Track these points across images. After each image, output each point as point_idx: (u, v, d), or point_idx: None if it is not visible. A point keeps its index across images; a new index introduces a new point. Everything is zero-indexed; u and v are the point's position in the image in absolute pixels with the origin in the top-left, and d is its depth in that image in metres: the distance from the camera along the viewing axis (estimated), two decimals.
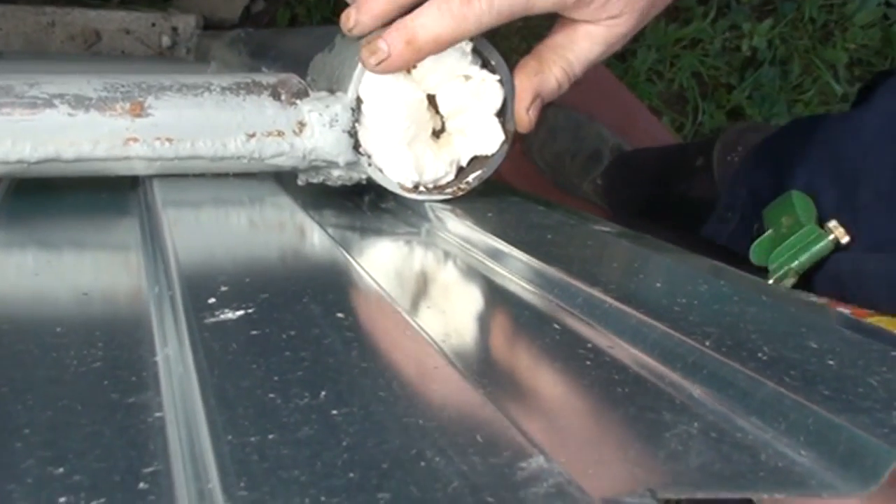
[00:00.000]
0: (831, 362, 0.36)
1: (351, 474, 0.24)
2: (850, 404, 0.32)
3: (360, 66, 0.58)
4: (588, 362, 0.38)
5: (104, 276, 0.47)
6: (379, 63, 0.57)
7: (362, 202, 0.67)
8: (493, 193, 0.65)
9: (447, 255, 0.55)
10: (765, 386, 0.33)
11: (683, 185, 1.27)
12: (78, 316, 0.40)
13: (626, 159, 1.53)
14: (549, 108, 1.68)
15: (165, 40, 1.49)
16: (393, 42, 0.57)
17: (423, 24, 0.57)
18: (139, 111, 0.56)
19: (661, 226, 1.42)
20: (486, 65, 0.61)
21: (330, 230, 0.53)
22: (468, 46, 0.60)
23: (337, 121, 0.58)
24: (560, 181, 1.64)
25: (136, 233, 0.53)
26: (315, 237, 0.51)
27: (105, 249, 0.52)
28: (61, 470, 0.27)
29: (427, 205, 0.62)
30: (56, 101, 0.55)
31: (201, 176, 0.60)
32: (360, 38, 0.60)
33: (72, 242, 0.52)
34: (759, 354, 0.36)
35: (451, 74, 0.60)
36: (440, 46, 0.58)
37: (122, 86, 0.56)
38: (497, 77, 0.61)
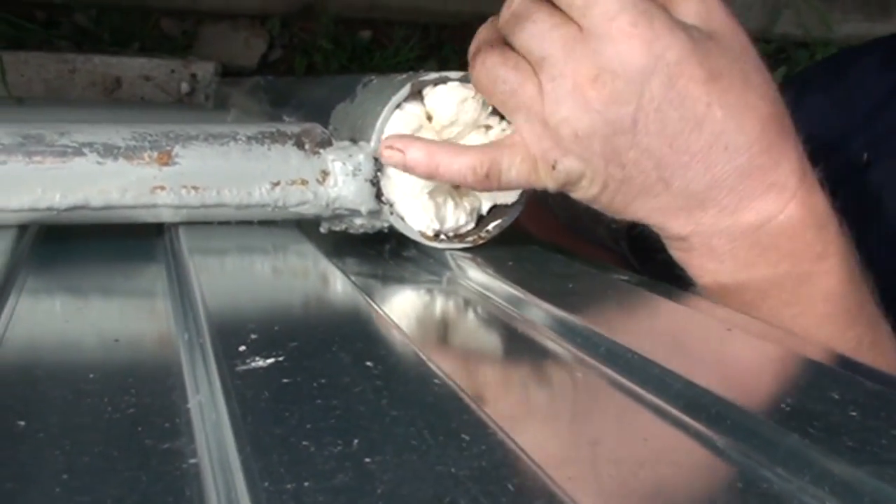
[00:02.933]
0: (854, 413, 0.36)
1: None
2: (875, 456, 0.32)
3: (382, 116, 0.60)
4: (613, 412, 0.38)
5: (133, 322, 0.48)
6: (393, 162, 0.59)
7: (384, 250, 0.67)
8: (512, 242, 0.65)
9: (468, 303, 0.56)
10: (789, 437, 0.34)
11: None
12: (109, 362, 0.41)
13: None
14: None
15: (184, 87, 1.51)
16: (416, 162, 0.57)
17: (449, 166, 0.57)
18: (167, 160, 0.57)
19: None
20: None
21: (353, 278, 0.54)
22: None
23: (360, 170, 0.59)
24: (574, 225, 1.65)
25: (163, 279, 0.54)
26: (338, 285, 0.52)
27: (133, 296, 0.52)
28: None
29: (448, 253, 0.63)
30: (85, 150, 0.56)
31: (226, 223, 0.61)
32: (383, 91, 0.61)
33: (100, 289, 0.53)
34: (782, 405, 0.36)
35: (472, 125, 0.61)
36: (453, 182, 0.59)
37: (150, 135, 0.58)
38: None
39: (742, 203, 0.54)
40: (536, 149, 0.56)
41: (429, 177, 0.58)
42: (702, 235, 0.56)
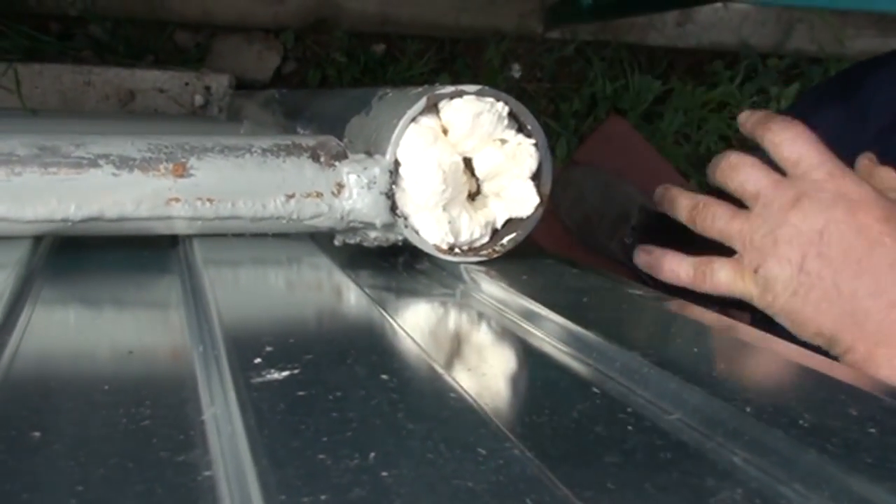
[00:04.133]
0: (872, 430, 0.36)
1: None
2: (894, 472, 0.32)
3: (397, 129, 0.60)
4: (629, 427, 0.38)
5: (147, 334, 0.47)
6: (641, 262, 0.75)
7: (398, 263, 0.67)
8: (526, 255, 0.65)
9: (482, 316, 0.56)
10: (807, 453, 0.33)
11: None
12: (124, 374, 0.41)
13: (658, 214, 1.54)
14: (578, 169, 1.70)
15: (198, 99, 1.51)
16: (649, 266, 0.73)
17: (676, 267, 0.71)
18: (182, 172, 0.57)
19: None
20: (521, 129, 0.62)
21: (367, 290, 0.54)
22: (504, 110, 0.61)
23: (375, 183, 0.59)
24: (587, 240, 1.65)
25: (178, 291, 0.54)
26: (353, 297, 0.52)
27: (147, 307, 0.52)
28: None
29: (462, 266, 0.63)
30: (101, 162, 0.56)
31: (240, 235, 0.61)
32: (399, 104, 0.61)
33: (114, 300, 0.53)
34: (801, 421, 0.36)
35: (488, 138, 0.61)
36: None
37: (165, 147, 0.58)
38: (533, 141, 0.62)
39: None
40: (745, 259, 0.67)
41: (655, 273, 0.73)
42: (866, 343, 0.62)
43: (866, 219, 0.63)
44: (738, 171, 0.68)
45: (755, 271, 0.66)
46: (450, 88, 0.60)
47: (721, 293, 0.69)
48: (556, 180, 0.64)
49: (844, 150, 0.67)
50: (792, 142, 0.66)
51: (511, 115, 0.62)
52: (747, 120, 0.71)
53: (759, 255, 0.66)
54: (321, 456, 0.29)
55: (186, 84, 1.53)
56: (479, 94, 0.60)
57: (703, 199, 0.71)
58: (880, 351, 0.61)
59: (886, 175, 0.71)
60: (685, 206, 0.72)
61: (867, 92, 0.93)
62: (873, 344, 0.61)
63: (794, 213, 0.64)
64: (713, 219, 0.69)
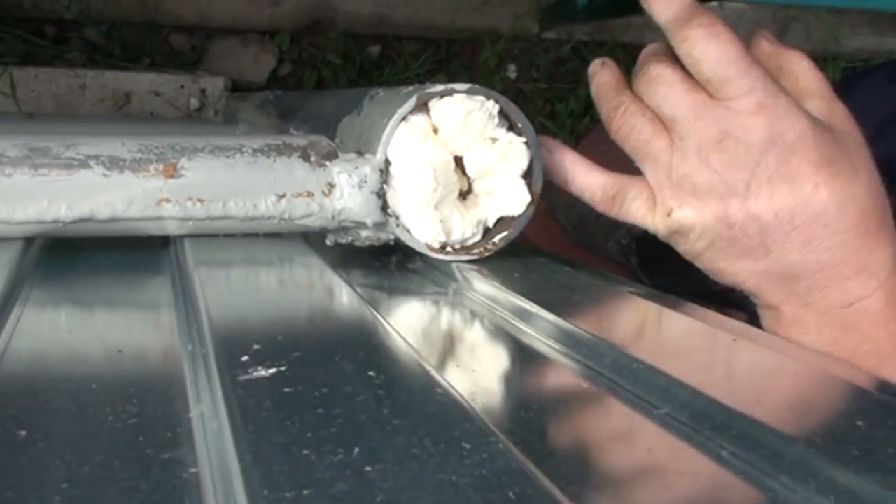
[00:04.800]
0: (860, 423, 0.36)
1: None
2: (880, 465, 0.32)
3: (388, 128, 0.60)
4: (618, 422, 0.38)
5: (137, 333, 0.47)
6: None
7: (390, 262, 0.67)
8: (519, 254, 0.65)
9: (474, 314, 0.56)
10: (794, 446, 0.33)
11: None
12: (112, 373, 0.41)
13: None
14: None
15: (194, 102, 1.51)
16: (556, 166, 0.65)
17: (584, 178, 0.65)
18: (172, 172, 0.57)
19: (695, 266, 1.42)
20: (512, 127, 0.62)
21: (358, 290, 0.54)
22: (495, 109, 0.61)
23: (366, 182, 0.59)
24: (584, 240, 1.65)
25: (168, 291, 0.54)
26: (344, 296, 0.52)
27: (137, 308, 0.52)
28: None
29: (454, 265, 0.63)
30: (91, 162, 0.56)
31: (231, 236, 0.61)
32: (390, 103, 0.61)
33: (105, 301, 0.53)
34: (788, 415, 0.36)
35: (479, 137, 0.61)
36: (580, 195, 0.66)
37: (156, 147, 0.58)
38: (523, 139, 0.62)
39: (833, 281, 0.58)
40: (658, 195, 0.62)
41: (562, 183, 0.64)
42: (792, 306, 0.59)
43: (802, 166, 0.56)
44: (655, 86, 0.60)
45: (668, 214, 0.61)
46: (440, 87, 0.60)
47: (631, 223, 0.64)
48: (550, 179, 0.64)
49: None
50: (716, 58, 0.57)
51: (502, 113, 0.62)
52: (664, 12, 0.60)
53: (673, 196, 0.60)
54: (305, 451, 0.29)
55: (182, 87, 1.53)
56: (469, 92, 0.60)
57: (629, 102, 0.62)
58: (808, 315, 0.58)
59: (798, 66, 0.62)
60: (607, 102, 0.63)
61: (858, 98, 0.92)
62: (801, 306, 0.59)
63: (717, 156, 0.57)
64: (631, 130, 0.61)
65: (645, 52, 0.62)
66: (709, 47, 0.57)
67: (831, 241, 0.57)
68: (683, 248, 0.62)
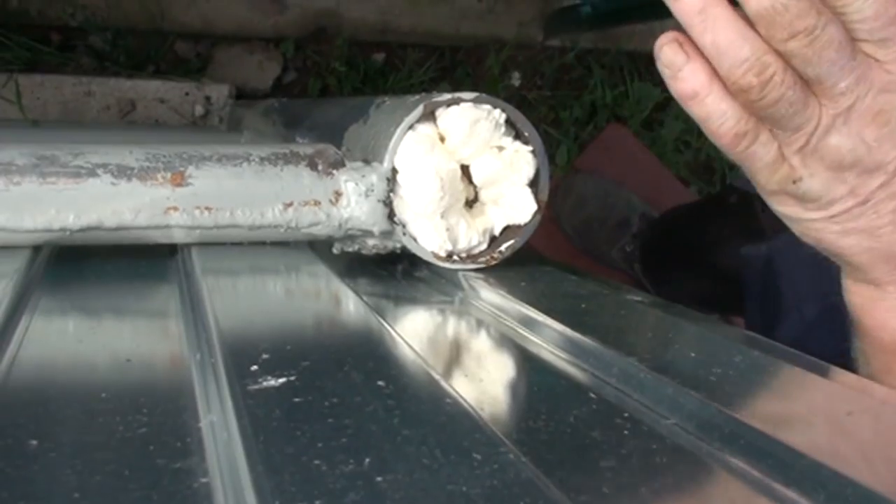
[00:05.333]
0: (868, 435, 0.36)
1: None
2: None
3: (395, 137, 0.60)
4: (626, 432, 0.38)
5: (145, 342, 0.48)
6: (670, 63, 0.53)
7: (396, 271, 0.68)
8: (525, 262, 0.65)
9: (481, 323, 0.56)
10: (803, 457, 0.33)
11: (719, 223, 1.27)
12: (121, 382, 0.41)
13: (660, 218, 1.54)
14: (579, 177, 1.70)
15: (199, 109, 1.52)
16: (691, 75, 0.53)
17: (719, 102, 0.53)
18: (180, 181, 0.57)
19: (699, 273, 1.42)
20: (518, 136, 0.63)
21: (365, 298, 0.54)
22: (502, 118, 0.61)
23: (373, 190, 0.59)
24: (588, 248, 1.65)
25: (176, 300, 0.54)
26: (351, 305, 0.52)
27: (145, 316, 0.53)
28: None
29: (460, 273, 0.63)
30: (99, 171, 0.56)
31: (238, 244, 0.62)
32: (396, 112, 0.61)
33: (113, 309, 0.53)
34: (796, 425, 0.36)
35: (485, 146, 0.61)
36: (711, 123, 0.54)
37: (164, 156, 0.58)
38: (530, 148, 0.62)
39: None
40: (790, 157, 0.54)
41: (689, 97, 0.53)
42: None
43: None
44: (818, 49, 0.49)
45: (795, 181, 0.54)
46: (447, 96, 0.60)
47: (746, 169, 0.56)
48: (556, 188, 0.65)
49: None
50: (874, 16, 0.49)
51: (508, 122, 0.62)
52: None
53: (806, 164, 0.53)
54: (316, 462, 0.29)
55: (187, 94, 1.53)
56: (476, 101, 0.60)
57: (777, 67, 0.50)
58: None
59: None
60: (741, 60, 0.51)
61: None
62: None
63: (873, 129, 0.51)
64: (780, 98, 0.51)
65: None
66: (866, 5, 0.49)
67: None
68: (791, 211, 0.56)
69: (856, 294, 0.58)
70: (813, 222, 0.55)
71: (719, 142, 0.54)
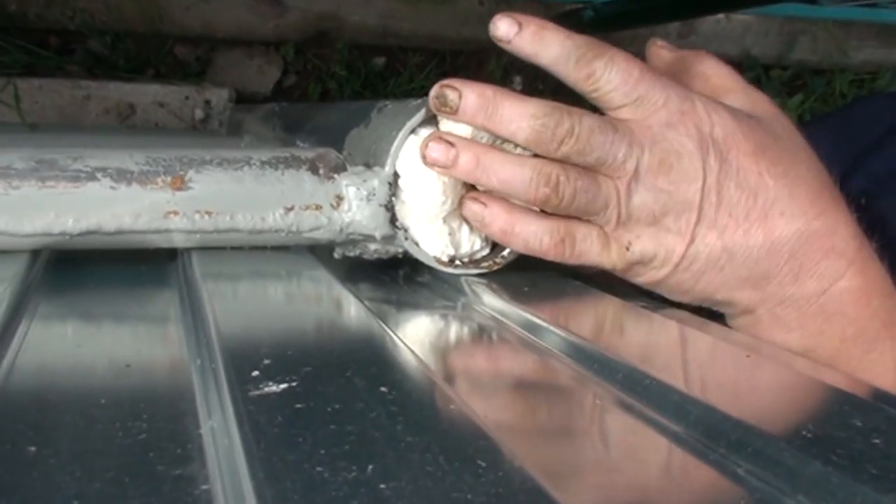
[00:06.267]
0: (877, 441, 0.36)
1: None
2: None
3: (397, 141, 0.60)
4: (631, 439, 0.38)
5: (145, 347, 0.47)
6: (471, 212, 0.60)
7: (398, 276, 0.67)
8: (528, 267, 0.65)
9: (484, 329, 0.56)
10: (812, 464, 0.33)
11: None
12: (121, 388, 0.41)
13: None
14: None
15: (199, 113, 1.52)
16: (494, 218, 0.59)
17: (526, 226, 0.58)
18: (180, 185, 0.57)
19: None
20: None
21: (367, 303, 0.54)
22: None
23: (374, 195, 0.59)
24: None
25: (176, 305, 0.54)
26: (352, 310, 0.52)
27: (145, 321, 0.52)
28: None
29: (463, 279, 0.63)
30: (99, 175, 0.56)
31: (239, 249, 0.61)
32: (398, 115, 0.61)
33: (112, 314, 0.53)
34: (804, 432, 0.36)
35: None
36: (527, 248, 0.59)
37: (164, 160, 0.58)
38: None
39: (803, 269, 0.57)
40: (611, 233, 0.59)
41: (502, 236, 0.59)
42: (767, 305, 0.58)
43: (740, 159, 0.56)
44: (581, 142, 0.56)
45: (626, 248, 0.58)
46: None
47: (585, 265, 0.60)
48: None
49: (832, 172, 0.62)
50: (622, 82, 0.55)
51: None
52: (548, 53, 0.57)
53: (628, 230, 0.58)
54: (319, 469, 0.29)
55: (186, 98, 1.53)
56: None
57: (556, 170, 0.56)
58: (787, 312, 0.57)
59: (705, 65, 0.62)
60: (524, 178, 0.57)
61: (860, 117, 0.91)
62: (777, 304, 0.57)
63: (664, 177, 0.55)
64: (574, 194, 0.57)
65: (533, 109, 0.57)
66: (612, 76, 0.56)
67: (791, 227, 0.56)
68: (644, 278, 0.60)
69: (741, 327, 0.60)
70: (669, 279, 0.59)
71: (550, 257, 0.59)
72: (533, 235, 0.58)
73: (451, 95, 0.57)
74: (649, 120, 0.56)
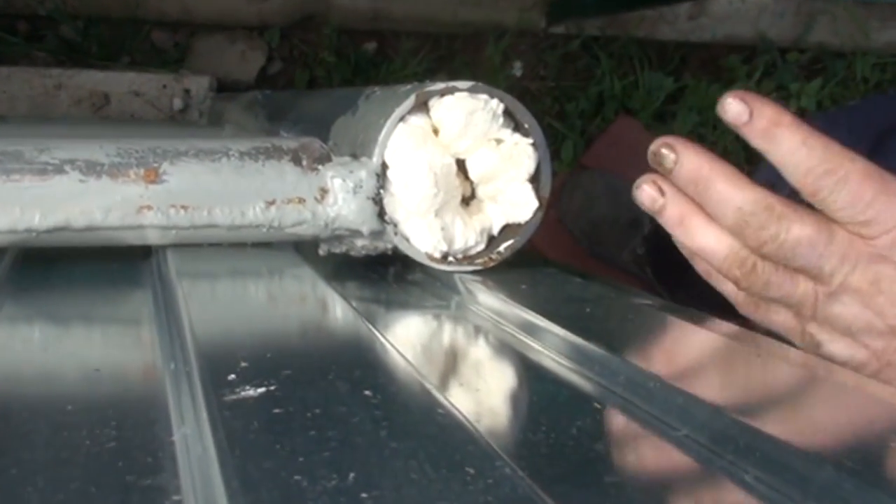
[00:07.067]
0: (893, 444, 0.36)
1: None
2: None
3: (385, 129, 0.60)
4: (633, 445, 0.38)
5: (116, 351, 0.47)
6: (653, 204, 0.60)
7: (387, 274, 0.67)
8: (526, 264, 0.65)
9: (478, 329, 0.56)
10: (824, 469, 0.33)
11: None
12: (89, 393, 0.41)
13: None
14: (586, 174, 1.70)
15: (177, 103, 1.52)
16: (671, 214, 0.60)
17: (704, 247, 0.59)
18: (154, 177, 0.57)
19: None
20: (518, 128, 0.62)
21: (354, 303, 0.54)
22: (500, 108, 0.61)
23: (361, 187, 0.59)
24: (597, 250, 1.65)
25: (150, 306, 0.54)
26: (338, 311, 0.52)
27: (116, 323, 0.52)
28: None
29: (456, 276, 0.63)
30: (67, 167, 0.56)
31: (217, 246, 0.61)
32: (387, 102, 0.61)
33: (81, 316, 0.53)
34: (816, 437, 0.36)
35: (482, 138, 0.61)
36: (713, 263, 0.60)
37: (136, 151, 0.58)
38: (530, 140, 0.62)
39: None
40: (804, 325, 0.59)
41: (694, 258, 0.61)
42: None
43: None
44: (794, 250, 0.56)
45: (817, 346, 0.59)
46: (440, 85, 0.60)
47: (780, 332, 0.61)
48: (562, 186, 0.64)
49: None
50: (851, 203, 0.55)
51: (507, 113, 0.62)
52: (748, 119, 0.57)
53: (823, 331, 0.58)
54: (297, 477, 0.29)
55: (164, 87, 1.53)
56: (471, 90, 0.60)
57: (756, 261, 0.58)
58: None
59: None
60: (726, 264, 0.59)
61: (877, 107, 0.91)
62: None
63: (876, 298, 0.56)
64: (767, 285, 0.58)
65: (745, 202, 0.57)
66: (841, 196, 0.55)
67: None
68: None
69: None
70: (860, 370, 0.58)
71: (739, 309, 0.61)
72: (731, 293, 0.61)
73: (668, 158, 0.58)
74: (874, 242, 0.56)
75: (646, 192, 0.60)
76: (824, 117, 1.06)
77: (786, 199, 0.56)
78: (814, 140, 0.55)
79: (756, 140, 0.57)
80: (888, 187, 0.55)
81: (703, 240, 0.59)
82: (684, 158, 0.57)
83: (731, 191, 0.56)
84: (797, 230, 0.55)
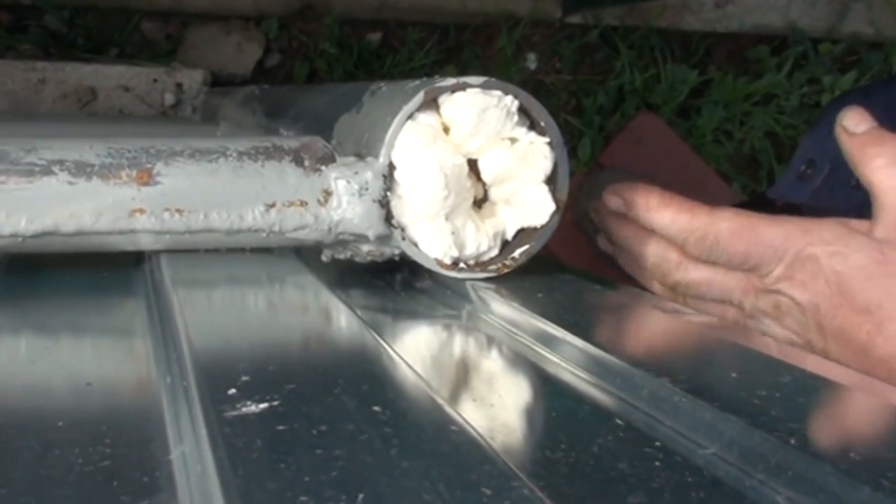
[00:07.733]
0: None
1: None
2: None
3: (392, 128, 0.60)
4: (657, 463, 0.38)
5: (108, 364, 0.48)
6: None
7: (394, 281, 0.68)
8: (541, 270, 0.65)
9: (491, 340, 0.56)
10: (860, 490, 0.33)
11: None
12: (81, 409, 0.41)
13: None
14: (604, 173, 1.70)
15: (169, 98, 1.52)
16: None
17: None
18: (147, 179, 0.57)
19: None
20: (533, 126, 0.63)
21: (359, 312, 0.54)
22: (514, 105, 0.61)
23: (367, 189, 0.60)
24: None
25: (143, 316, 0.54)
26: (343, 321, 0.52)
27: (108, 334, 0.53)
28: None
29: (468, 284, 0.63)
30: (55, 169, 0.56)
31: (214, 252, 0.62)
32: (394, 99, 0.62)
33: (71, 327, 0.53)
34: (852, 454, 0.36)
35: (496, 137, 0.61)
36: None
37: (128, 151, 0.58)
38: (546, 139, 0.62)
39: None
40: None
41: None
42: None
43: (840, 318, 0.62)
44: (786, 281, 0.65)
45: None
46: (451, 81, 0.60)
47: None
48: (579, 186, 0.65)
49: None
50: (730, 260, 0.66)
51: (521, 110, 0.62)
52: (627, 210, 0.73)
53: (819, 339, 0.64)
54: (303, 498, 0.29)
55: (155, 81, 1.54)
56: (484, 86, 0.61)
57: (686, 264, 0.71)
58: None
59: None
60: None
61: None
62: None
63: (774, 317, 0.65)
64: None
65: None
66: (720, 254, 0.66)
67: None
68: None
69: None
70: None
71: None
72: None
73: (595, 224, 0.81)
74: (764, 279, 0.65)
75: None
76: (861, 91, 1.09)
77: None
78: (680, 215, 0.68)
79: (642, 222, 0.71)
80: (759, 236, 0.65)
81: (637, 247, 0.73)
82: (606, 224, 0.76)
83: (640, 246, 0.72)
84: (694, 274, 0.68)
